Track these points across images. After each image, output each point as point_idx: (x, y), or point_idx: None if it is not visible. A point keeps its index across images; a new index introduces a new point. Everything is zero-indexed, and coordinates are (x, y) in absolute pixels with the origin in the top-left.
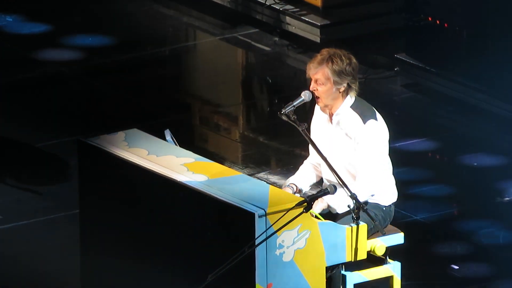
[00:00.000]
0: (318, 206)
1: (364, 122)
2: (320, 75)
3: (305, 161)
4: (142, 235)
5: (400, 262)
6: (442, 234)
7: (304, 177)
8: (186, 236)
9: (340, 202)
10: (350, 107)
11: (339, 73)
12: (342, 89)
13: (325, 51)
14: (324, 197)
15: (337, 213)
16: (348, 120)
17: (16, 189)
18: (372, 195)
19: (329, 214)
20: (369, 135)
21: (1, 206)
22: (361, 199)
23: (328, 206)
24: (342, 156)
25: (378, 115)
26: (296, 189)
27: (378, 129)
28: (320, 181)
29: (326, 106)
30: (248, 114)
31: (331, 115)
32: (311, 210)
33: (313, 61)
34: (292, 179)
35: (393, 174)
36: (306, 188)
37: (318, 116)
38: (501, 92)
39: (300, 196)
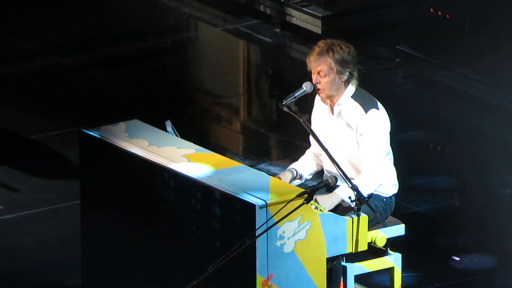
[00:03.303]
0: (330, 201)
1: (366, 112)
2: (323, 66)
3: (307, 150)
4: (143, 225)
5: (401, 253)
6: (443, 226)
7: (305, 164)
8: (186, 226)
9: (350, 195)
10: (351, 97)
11: (341, 62)
12: (345, 78)
13: (322, 43)
14: (337, 192)
15: (350, 205)
16: (350, 110)
17: (17, 179)
18: (381, 185)
19: None
20: (371, 124)
21: (2, 197)
22: (370, 190)
23: (342, 201)
24: (344, 146)
25: (379, 104)
26: (296, 174)
27: (380, 118)
28: (321, 171)
29: (328, 97)
30: (249, 105)
31: (332, 106)
32: (318, 206)
33: (313, 54)
34: (292, 165)
35: (394, 165)
36: (306, 175)
37: (319, 108)
38: (503, 83)
39: (300, 184)
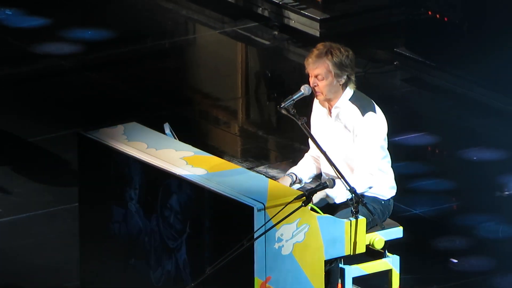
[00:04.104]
0: (316, 194)
1: (363, 115)
2: (321, 69)
3: (305, 154)
4: (141, 228)
5: (399, 256)
6: (441, 228)
7: (304, 168)
8: (185, 228)
9: (338, 191)
10: (349, 100)
11: (340, 65)
12: (342, 81)
13: (321, 45)
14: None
15: (334, 202)
16: (347, 113)
17: (15, 182)
18: (370, 187)
19: (327, 208)
20: (368, 127)
21: (0, 199)
22: (359, 191)
23: (327, 195)
24: (342, 149)
25: (377, 107)
26: (296, 178)
27: (377, 121)
28: (320, 174)
29: (326, 100)
30: (247, 108)
31: (330, 109)
32: (316, 208)
33: (311, 56)
34: (292, 169)
35: (392, 167)
36: (305, 179)
37: (318, 110)
38: (501, 86)
39: (299, 187)
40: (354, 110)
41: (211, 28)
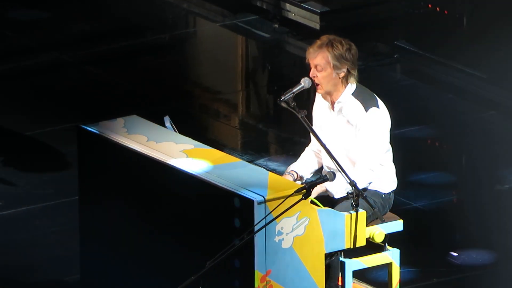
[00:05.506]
0: (315, 189)
1: (366, 110)
2: (320, 59)
3: (306, 148)
4: (141, 221)
5: (399, 249)
6: (441, 222)
7: (305, 164)
8: (185, 222)
9: (338, 187)
10: (352, 94)
11: (339, 58)
12: (342, 74)
13: (324, 37)
14: (324, 183)
15: (334, 197)
16: (350, 108)
17: (16, 175)
18: (370, 183)
19: (327, 201)
20: (371, 122)
21: (0, 192)
22: (360, 186)
23: (326, 190)
24: (343, 143)
25: (380, 102)
26: (297, 176)
27: (380, 116)
28: (321, 168)
29: (327, 93)
30: (247, 101)
31: (332, 103)
32: (316, 201)
33: (313, 46)
34: (292, 166)
35: (393, 161)
36: (307, 175)
37: (320, 103)
38: (501, 78)
39: (300, 183)
40: (357, 105)
41: (211, 21)
